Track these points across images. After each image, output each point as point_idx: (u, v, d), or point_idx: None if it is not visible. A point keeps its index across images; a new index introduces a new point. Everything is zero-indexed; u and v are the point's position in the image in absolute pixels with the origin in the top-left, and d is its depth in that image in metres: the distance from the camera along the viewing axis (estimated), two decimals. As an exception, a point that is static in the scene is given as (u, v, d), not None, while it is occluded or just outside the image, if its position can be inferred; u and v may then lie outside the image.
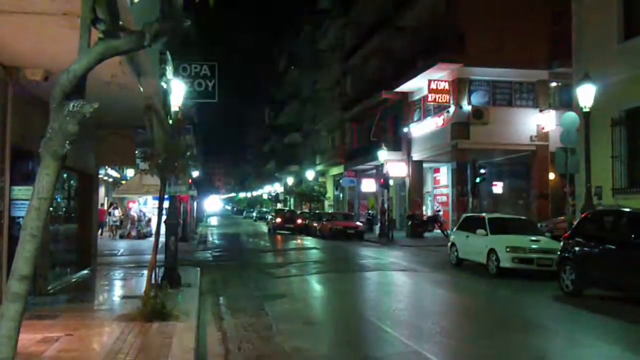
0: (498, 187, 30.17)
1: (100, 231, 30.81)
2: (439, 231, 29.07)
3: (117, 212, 30.14)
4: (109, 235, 28.90)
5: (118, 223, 29.44)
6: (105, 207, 31.80)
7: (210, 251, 23.26)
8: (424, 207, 34.13)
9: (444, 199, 33.50)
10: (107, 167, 26.71)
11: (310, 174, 50.39)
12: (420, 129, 31.54)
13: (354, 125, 42.87)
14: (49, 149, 3.35)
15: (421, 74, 28.57)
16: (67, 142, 3.38)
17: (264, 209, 71.51)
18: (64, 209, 12.21)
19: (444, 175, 33.89)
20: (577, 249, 11.64)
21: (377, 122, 36.68)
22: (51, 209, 10.54)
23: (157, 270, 8.73)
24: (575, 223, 13.06)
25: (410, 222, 29.78)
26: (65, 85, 3.37)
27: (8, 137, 7.97)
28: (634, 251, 10.10)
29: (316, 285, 13.71)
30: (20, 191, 8.58)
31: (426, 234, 29.41)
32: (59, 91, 3.38)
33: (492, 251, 14.67)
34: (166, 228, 11.93)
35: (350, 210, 42.14)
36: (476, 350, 7.50)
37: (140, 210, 29.12)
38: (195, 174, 33.26)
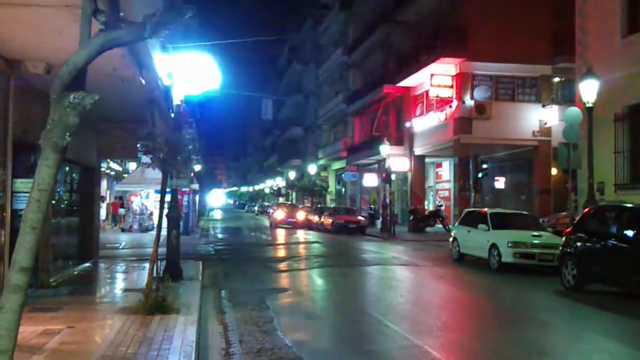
0: (500, 182, 30.13)
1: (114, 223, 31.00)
2: (440, 226, 29.06)
3: (103, 209, 30.12)
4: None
5: (104, 217, 29.42)
6: (117, 201, 31.92)
7: (212, 245, 23.28)
8: (425, 202, 34.10)
9: (446, 193, 33.48)
10: (109, 160, 26.75)
11: (312, 168, 50.38)
12: (423, 123, 31.47)
13: (357, 119, 42.81)
14: (49, 140, 3.34)
15: (424, 69, 28.45)
16: (68, 133, 3.37)
17: (266, 203, 71.60)
18: (66, 201, 12.23)
19: (446, 170, 33.86)
20: (578, 244, 11.63)
21: (380, 117, 36.61)
22: (53, 202, 10.60)
23: (158, 264, 8.74)
24: (577, 218, 13.03)
25: (412, 217, 29.78)
26: (65, 77, 3.36)
27: (10, 130, 7.98)
28: (635, 247, 10.08)
29: (318, 279, 13.72)
30: (22, 184, 8.60)
31: (428, 229, 29.41)
32: (59, 83, 3.37)
33: (493, 246, 14.66)
34: (168, 221, 11.94)
35: (352, 205, 42.13)
36: (477, 345, 7.51)
37: (142, 204, 29.15)
38: (197, 167, 33.27)
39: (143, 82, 8.39)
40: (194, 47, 16.39)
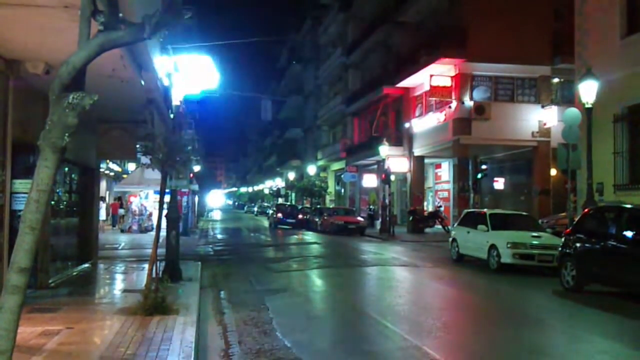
0: (499, 183, 30.14)
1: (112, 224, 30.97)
2: (440, 227, 29.06)
3: (103, 210, 30.03)
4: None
5: (104, 218, 29.30)
6: (117, 202, 31.87)
7: (211, 245, 23.27)
8: (425, 203, 34.10)
9: (445, 194, 33.48)
10: (108, 161, 26.73)
11: (311, 169, 50.38)
12: (422, 124, 31.49)
13: (356, 120, 42.82)
14: (48, 141, 3.34)
15: (423, 69, 28.48)
16: (67, 134, 3.37)
17: (265, 204, 71.61)
18: (65, 202, 12.22)
19: (446, 170, 33.87)
20: (578, 245, 11.63)
21: (379, 117, 36.63)
22: (52, 202, 10.59)
23: (157, 264, 8.73)
24: (576, 219, 13.03)
25: (411, 218, 29.76)
26: (64, 77, 3.36)
27: (9, 130, 7.97)
28: (634, 248, 10.09)
29: (317, 280, 13.72)
30: (21, 184, 8.61)
31: (427, 230, 29.40)
32: (58, 83, 3.37)
33: (493, 247, 14.66)
34: (167, 222, 11.93)
35: (351, 206, 42.13)
36: (476, 345, 7.50)
37: (142, 204, 29.12)
38: (197, 168, 33.24)
39: (142, 82, 8.39)
40: (194, 48, 16.39)
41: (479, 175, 25.04)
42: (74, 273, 12.31)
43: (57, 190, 11.36)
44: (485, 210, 17.44)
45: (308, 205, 44.07)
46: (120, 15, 3.81)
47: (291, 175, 57.87)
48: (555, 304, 10.87)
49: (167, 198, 10.91)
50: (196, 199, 41.36)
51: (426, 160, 33.61)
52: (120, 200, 32.00)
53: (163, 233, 10.84)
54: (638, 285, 10.10)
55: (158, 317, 7.76)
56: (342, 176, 44.58)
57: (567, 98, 25.86)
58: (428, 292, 12.34)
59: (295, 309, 9.84)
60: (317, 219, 33.35)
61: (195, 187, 34.16)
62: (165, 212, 10.73)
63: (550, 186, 27.31)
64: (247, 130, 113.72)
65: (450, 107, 27.85)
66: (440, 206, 33.15)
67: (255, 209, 74.64)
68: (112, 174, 32.18)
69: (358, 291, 12.32)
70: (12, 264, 3.35)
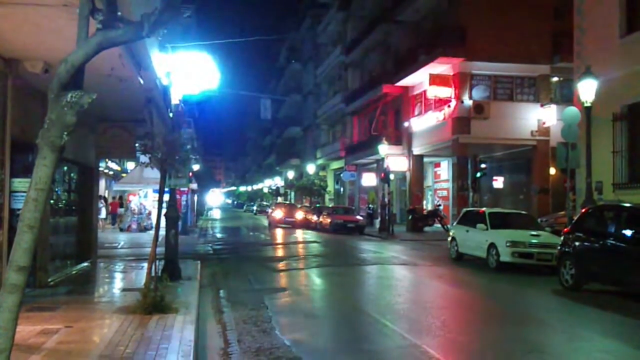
0: (498, 182, 30.16)
1: (112, 222, 30.95)
2: (439, 225, 29.08)
3: (102, 209, 29.98)
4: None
5: (104, 217, 29.23)
6: (117, 200, 31.85)
7: (210, 244, 23.26)
8: (424, 202, 34.12)
9: (445, 193, 33.50)
10: (107, 159, 26.71)
11: (311, 168, 50.40)
12: (421, 123, 31.49)
13: (355, 119, 42.82)
14: (47, 140, 3.33)
15: (422, 68, 28.50)
16: (65, 133, 3.36)
17: (265, 203, 71.69)
18: (64, 201, 12.21)
19: (445, 169, 33.89)
20: (577, 244, 11.64)
21: (378, 116, 36.63)
22: (51, 201, 10.58)
23: (157, 263, 8.73)
24: (575, 218, 13.05)
25: (410, 217, 29.78)
26: (63, 76, 3.35)
27: (8, 129, 7.96)
28: (633, 246, 10.09)
29: (316, 279, 13.71)
30: (20, 183, 8.60)
31: (426, 229, 29.41)
32: (56, 82, 3.37)
33: (492, 245, 14.67)
34: (166, 221, 11.92)
35: (350, 204, 42.14)
36: (475, 344, 7.51)
37: (141, 203, 29.12)
38: (196, 167, 33.27)
39: (141, 81, 8.37)
40: (193, 47, 16.38)
41: (478, 174, 25.05)
42: (73, 272, 12.30)
43: (56, 189, 11.35)
44: (484, 209, 17.44)
45: (307, 204, 44.10)
46: (119, 13, 3.80)
47: (290, 174, 57.89)
48: (555, 302, 10.87)
49: (166, 197, 10.91)
50: (195, 197, 41.36)
51: (425, 159, 33.63)
52: (121, 199, 32.01)
53: (162, 232, 10.83)
54: (637, 284, 10.11)
55: (157, 316, 7.76)
56: (342, 175, 44.60)
57: (567, 97, 25.86)
58: (427, 291, 12.34)
59: (294, 308, 9.85)
60: (316, 218, 33.36)
61: (195, 186, 34.16)
62: (164, 211, 10.73)
63: (550, 185, 27.33)
64: (246, 129, 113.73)
65: (449, 106, 27.85)
66: (440, 205, 33.16)
67: (255, 208, 74.77)
68: (111, 172, 32.17)
69: (357, 290, 12.32)
70: (11, 262, 3.35)
